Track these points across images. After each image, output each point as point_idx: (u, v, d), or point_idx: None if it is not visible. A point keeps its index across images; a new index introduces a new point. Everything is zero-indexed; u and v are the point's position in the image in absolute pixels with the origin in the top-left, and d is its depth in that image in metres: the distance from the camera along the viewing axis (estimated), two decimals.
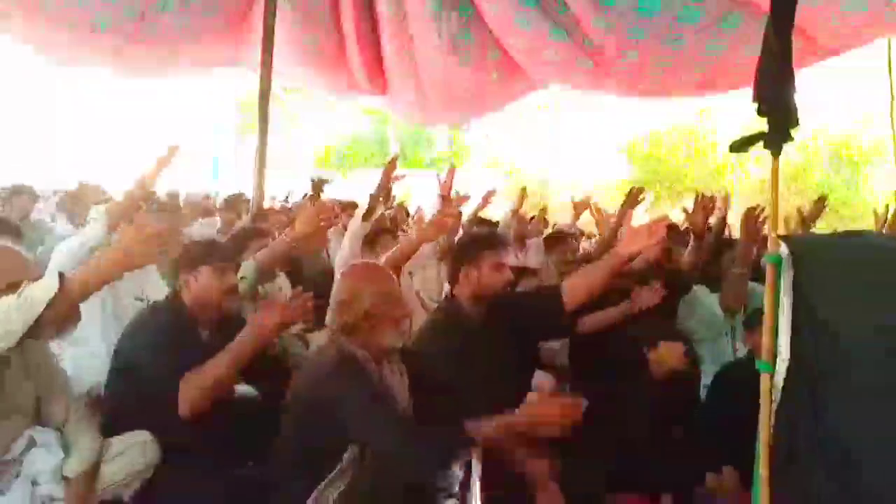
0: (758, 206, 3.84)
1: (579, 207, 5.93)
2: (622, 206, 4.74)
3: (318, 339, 3.85)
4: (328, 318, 2.22)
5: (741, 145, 2.12)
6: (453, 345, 2.58)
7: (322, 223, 3.03)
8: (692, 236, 3.95)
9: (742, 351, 3.86)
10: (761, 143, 2.10)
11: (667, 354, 3.01)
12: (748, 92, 2.16)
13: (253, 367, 2.76)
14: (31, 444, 2.12)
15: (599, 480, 2.65)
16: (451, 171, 4.68)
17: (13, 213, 5.16)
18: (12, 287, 1.93)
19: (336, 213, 3.31)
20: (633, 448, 2.82)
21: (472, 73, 6.51)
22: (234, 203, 6.33)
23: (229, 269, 2.59)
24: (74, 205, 6.19)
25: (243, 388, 2.89)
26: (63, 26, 5.42)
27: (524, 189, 6.22)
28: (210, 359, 2.33)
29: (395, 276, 2.31)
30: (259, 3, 5.91)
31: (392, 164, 4.73)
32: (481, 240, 2.80)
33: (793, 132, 2.10)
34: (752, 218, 3.76)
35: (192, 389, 2.27)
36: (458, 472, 1.90)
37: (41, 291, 1.76)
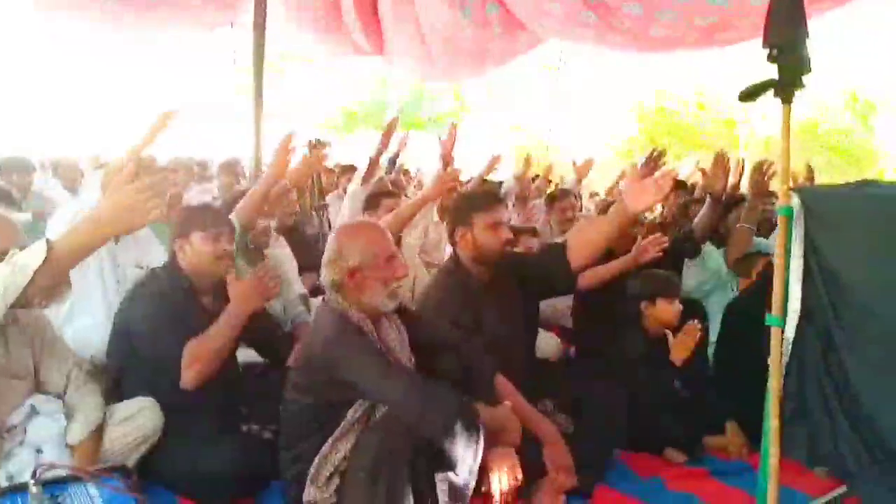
0: (765, 160, 3.76)
1: (582, 170, 5.86)
2: (642, 167, 4.63)
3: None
4: (321, 277, 2.19)
5: (751, 94, 2.05)
6: (457, 304, 2.56)
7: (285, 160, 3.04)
8: (709, 198, 3.87)
9: None
10: (771, 92, 2.04)
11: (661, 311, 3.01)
12: (757, 43, 2.09)
13: (254, 332, 2.77)
14: (34, 412, 2.11)
15: (609, 438, 2.64)
16: (453, 131, 4.60)
17: (13, 185, 5.08)
18: (1, 254, 1.90)
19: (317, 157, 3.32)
20: (641, 405, 2.81)
21: (472, 28, 6.36)
22: (230, 168, 6.25)
23: (222, 234, 2.53)
24: (69, 173, 6.13)
25: (246, 353, 2.87)
26: None
27: (529, 156, 6.15)
28: (211, 325, 2.35)
29: (386, 236, 2.23)
30: None
31: (392, 126, 4.67)
32: (472, 200, 2.74)
33: (804, 79, 2.03)
34: (760, 173, 3.68)
35: (194, 362, 2.28)
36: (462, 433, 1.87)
37: (29, 258, 1.72)
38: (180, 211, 2.68)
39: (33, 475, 1.59)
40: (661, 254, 3.27)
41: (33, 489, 1.55)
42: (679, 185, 5.15)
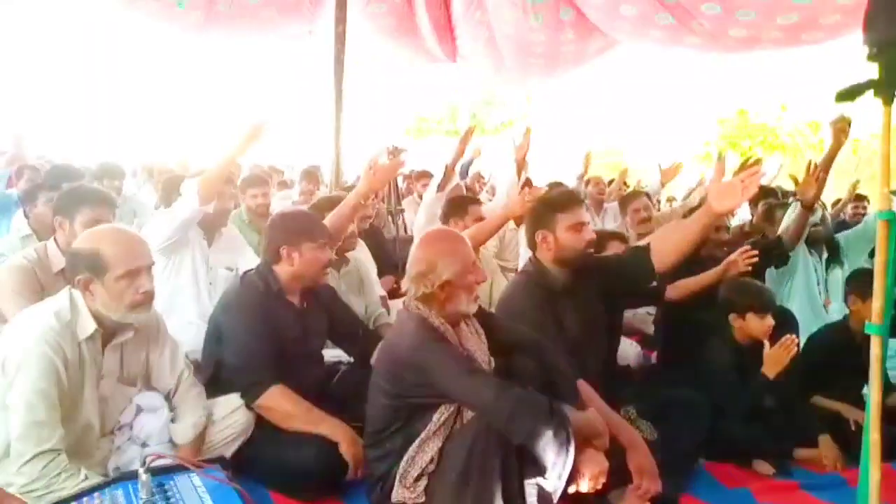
0: None
1: (667, 174, 5.74)
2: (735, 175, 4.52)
3: (401, 305, 3.90)
4: (405, 286, 2.21)
5: (849, 94, 1.97)
6: (537, 308, 2.55)
7: (377, 176, 3.10)
8: (800, 206, 3.75)
9: (837, 310, 3.76)
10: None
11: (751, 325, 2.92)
12: (846, 41, 2.02)
13: (343, 332, 2.84)
14: (139, 410, 2.24)
15: (693, 446, 2.59)
16: (528, 135, 4.60)
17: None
18: (131, 274, 2.02)
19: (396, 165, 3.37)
20: (727, 415, 2.74)
21: (545, 32, 6.35)
22: (311, 175, 6.42)
23: (327, 244, 2.65)
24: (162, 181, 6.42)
25: (335, 352, 2.95)
26: (146, 1, 5.60)
27: (589, 155, 6.10)
28: (305, 330, 2.55)
29: (469, 244, 2.25)
30: None
31: (468, 134, 4.70)
32: (553, 202, 2.72)
33: None
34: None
35: (272, 403, 2.42)
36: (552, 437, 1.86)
37: None
38: (282, 219, 2.73)
39: (142, 464, 1.68)
40: (749, 268, 3.18)
41: (143, 477, 1.63)
42: (765, 191, 5.01)
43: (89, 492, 1.67)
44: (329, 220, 3.04)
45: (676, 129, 16.49)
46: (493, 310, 2.72)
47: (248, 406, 2.43)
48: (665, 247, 2.55)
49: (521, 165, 4.59)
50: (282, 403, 2.43)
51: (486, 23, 6.64)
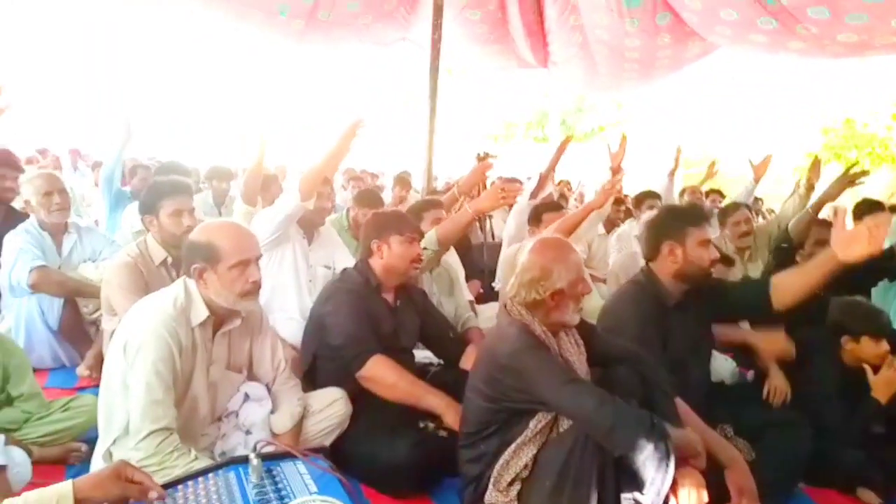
0: None
1: (759, 169, 5.48)
2: (836, 182, 4.27)
3: (487, 310, 3.93)
4: (511, 291, 2.20)
5: None
6: (645, 319, 2.50)
7: (503, 200, 3.14)
8: None
9: None
10: None
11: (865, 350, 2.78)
12: None
13: (433, 335, 2.90)
14: (246, 398, 2.36)
15: (792, 469, 2.49)
16: (623, 142, 4.54)
17: (214, 190, 5.62)
18: (242, 264, 2.14)
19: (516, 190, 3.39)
20: (830, 439, 2.62)
21: (640, 37, 6.23)
22: (403, 180, 6.56)
23: (417, 239, 2.75)
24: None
25: (424, 353, 3.01)
26: (253, 11, 5.86)
27: (679, 149, 5.90)
28: (398, 327, 2.62)
29: (578, 254, 2.25)
30: None
31: (565, 144, 4.69)
32: (685, 214, 2.62)
33: None
34: None
35: (376, 373, 2.50)
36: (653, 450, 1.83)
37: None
38: (374, 217, 2.87)
39: (252, 449, 1.77)
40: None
41: (254, 461, 1.72)
42: (870, 204, 4.75)
43: (204, 472, 1.77)
44: (443, 226, 3.15)
45: (776, 139, 15.77)
46: (584, 318, 2.70)
47: (354, 377, 2.52)
48: (785, 288, 2.46)
49: (616, 171, 4.53)
50: (386, 373, 2.51)
51: (580, 28, 6.59)
